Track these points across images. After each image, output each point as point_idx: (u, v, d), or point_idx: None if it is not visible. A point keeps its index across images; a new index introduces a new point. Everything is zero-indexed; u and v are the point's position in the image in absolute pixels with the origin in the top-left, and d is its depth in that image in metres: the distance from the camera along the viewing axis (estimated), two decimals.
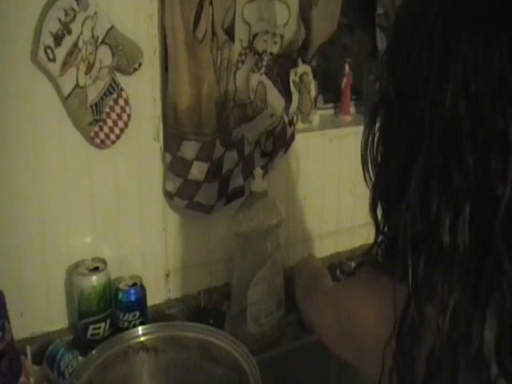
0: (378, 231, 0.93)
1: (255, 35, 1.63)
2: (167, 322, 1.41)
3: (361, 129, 1.95)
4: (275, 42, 1.67)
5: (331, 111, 2.12)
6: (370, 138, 0.93)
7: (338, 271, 1.84)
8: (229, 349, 1.24)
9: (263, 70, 1.67)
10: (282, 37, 1.67)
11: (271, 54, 1.67)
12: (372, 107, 0.91)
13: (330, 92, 2.12)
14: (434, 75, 0.75)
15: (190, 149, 1.55)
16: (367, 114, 0.91)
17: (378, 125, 0.91)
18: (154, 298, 1.65)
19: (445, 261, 0.75)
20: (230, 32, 1.57)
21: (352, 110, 2.13)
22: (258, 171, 1.55)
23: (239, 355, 1.21)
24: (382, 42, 2.13)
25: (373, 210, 0.93)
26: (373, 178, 0.94)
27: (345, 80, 2.04)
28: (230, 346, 1.24)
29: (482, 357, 0.72)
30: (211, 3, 1.50)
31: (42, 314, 1.53)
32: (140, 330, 1.27)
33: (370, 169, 0.95)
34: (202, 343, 1.28)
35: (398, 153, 0.84)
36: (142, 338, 1.27)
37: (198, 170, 1.57)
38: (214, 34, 1.53)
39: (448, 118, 0.74)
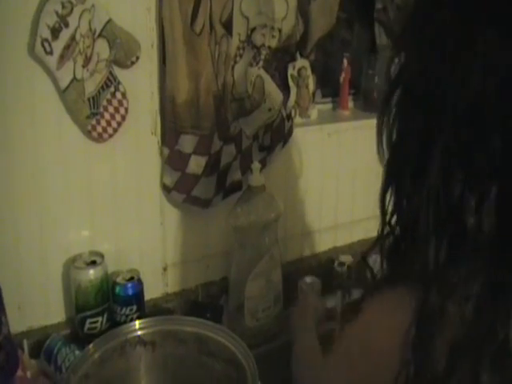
0: (384, 222, 0.89)
1: (253, 29, 1.63)
2: (164, 316, 1.41)
3: (359, 123, 1.98)
4: (273, 36, 1.66)
5: (329, 106, 2.11)
6: (386, 115, 0.85)
7: (335, 264, 1.83)
8: (226, 343, 1.23)
9: (261, 63, 1.66)
10: (280, 31, 1.67)
11: (269, 47, 1.67)
12: (390, 82, 0.84)
13: (328, 86, 2.11)
14: (460, 51, 0.71)
15: (187, 143, 1.55)
16: (384, 89, 0.85)
17: (395, 101, 0.83)
18: (152, 292, 1.65)
19: (469, 246, 0.71)
20: (227, 26, 1.57)
21: (350, 104, 2.13)
22: (256, 165, 1.55)
23: (236, 349, 1.21)
24: (380, 37, 2.12)
25: (383, 195, 0.87)
26: (386, 157, 0.86)
27: (343, 74, 2.03)
28: (228, 340, 1.23)
29: (506, 349, 0.68)
30: None
31: (40, 307, 1.52)
32: (137, 324, 1.26)
33: (385, 147, 0.87)
34: (200, 337, 1.27)
35: (416, 130, 0.78)
36: (139, 332, 1.26)
37: (195, 164, 1.57)
38: (211, 27, 1.52)
39: (474, 95, 0.69)
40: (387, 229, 0.88)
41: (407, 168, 0.80)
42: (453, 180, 0.72)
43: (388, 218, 0.87)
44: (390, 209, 0.87)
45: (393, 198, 0.85)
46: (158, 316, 1.38)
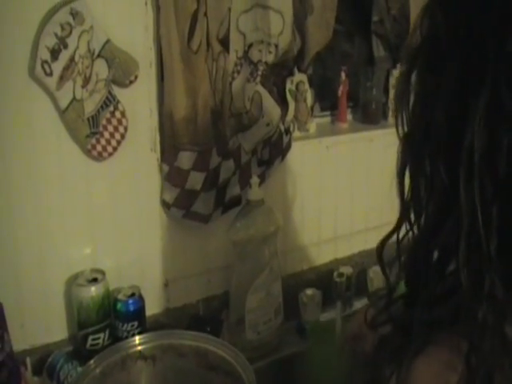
0: (404, 215, 0.75)
1: (250, 45, 1.65)
2: (164, 331, 1.42)
3: (357, 136, 2.00)
4: (270, 52, 1.68)
5: (328, 119, 2.13)
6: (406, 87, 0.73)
7: (334, 274, 1.85)
8: (225, 356, 1.25)
9: (258, 79, 1.68)
10: (276, 46, 1.69)
11: (266, 63, 1.68)
12: (411, 51, 0.72)
13: (327, 100, 2.13)
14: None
15: (186, 159, 1.57)
16: (404, 59, 0.78)
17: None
18: (153, 307, 1.66)
19: None
20: (224, 42, 1.59)
21: (349, 117, 2.14)
22: (255, 180, 1.57)
23: (236, 362, 1.23)
24: (378, 50, 2.14)
25: (400, 175, 0.75)
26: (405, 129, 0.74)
27: (341, 87, 2.05)
28: (227, 354, 1.25)
29: None
30: (206, 14, 1.52)
31: (42, 325, 1.54)
32: (137, 339, 1.29)
33: (404, 118, 0.74)
34: (199, 351, 1.29)
35: (446, 94, 0.65)
36: (140, 347, 1.28)
37: (194, 180, 1.59)
38: (208, 44, 1.55)
39: None
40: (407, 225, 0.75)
41: (433, 135, 0.68)
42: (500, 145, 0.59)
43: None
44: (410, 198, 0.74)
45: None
46: (158, 331, 1.39)
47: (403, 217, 0.76)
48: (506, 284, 0.60)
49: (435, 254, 0.71)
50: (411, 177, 0.73)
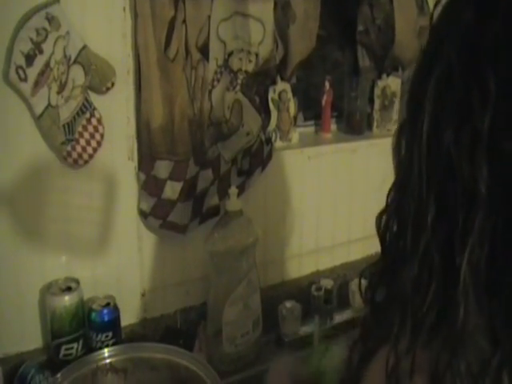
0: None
1: (230, 53, 1.63)
2: (135, 343, 1.40)
3: (340, 146, 1.98)
4: (250, 60, 1.67)
5: (312, 128, 2.11)
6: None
7: (313, 288, 1.82)
8: (197, 370, 1.23)
9: (238, 88, 1.67)
10: (256, 55, 1.67)
11: (246, 72, 1.67)
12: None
13: (311, 109, 2.12)
14: None
15: (163, 168, 1.55)
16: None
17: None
18: (130, 317, 1.64)
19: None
20: (204, 50, 1.58)
21: (333, 127, 2.13)
22: (233, 190, 1.55)
23: (207, 377, 1.20)
24: (363, 59, 2.13)
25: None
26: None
27: (325, 97, 2.03)
28: (198, 368, 1.23)
29: None
30: (184, 22, 1.50)
31: (16, 334, 1.52)
32: (106, 351, 1.26)
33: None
34: (171, 364, 1.27)
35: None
36: (110, 360, 1.25)
37: (171, 190, 1.57)
38: (187, 52, 1.53)
39: None
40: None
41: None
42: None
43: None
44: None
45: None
46: (131, 342, 1.37)
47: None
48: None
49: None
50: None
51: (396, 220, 0.71)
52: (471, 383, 0.59)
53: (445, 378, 0.61)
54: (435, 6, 0.68)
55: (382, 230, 0.73)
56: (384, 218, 0.73)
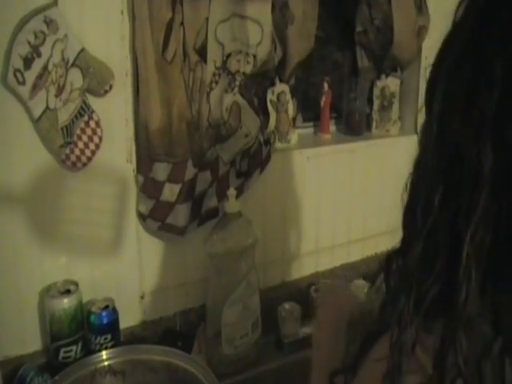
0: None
1: (229, 55, 1.63)
2: (133, 346, 1.40)
3: (339, 147, 1.98)
4: (248, 62, 1.67)
5: (311, 130, 2.11)
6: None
7: (311, 289, 1.82)
8: (195, 372, 1.23)
9: (236, 89, 1.67)
10: (254, 56, 1.67)
11: (244, 73, 1.67)
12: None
13: (310, 110, 2.12)
14: None
15: (161, 170, 1.55)
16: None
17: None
18: (129, 320, 1.64)
19: None
20: (202, 52, 1.58)
21: (332, 128, 2.13)
22: (232, 192, 1.55)
23: (205, 379, 1.21)
24: (362, 60, 2.13)
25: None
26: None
27: (324, 98, 2.03)
28: (196, 370, 1.23)
29: None
30: (182, 24, 1.50)
31: (16, 336, 1.52)
32: (104, 353, 1.27)
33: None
34: (169, 366, 1.27)
35: None
36: (108, 362, 1.26)
37: (169, 192, 1.57)
38: (185, 54, 1.53)
39: None
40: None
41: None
42: None
43: None
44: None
45: None
46: (129, 345, 1.37)
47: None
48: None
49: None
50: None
51: (409, 199, 0.72)
52: (473, 366, 0.60)
53: (447, 358, 0.61)
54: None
55: (404, 212, 0.73)
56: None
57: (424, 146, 0.67)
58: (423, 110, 0.70)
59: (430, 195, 0.64)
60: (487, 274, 0.60)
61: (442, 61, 0.65)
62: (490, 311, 0.60)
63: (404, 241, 0.71)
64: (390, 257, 0.74)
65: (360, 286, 1.90)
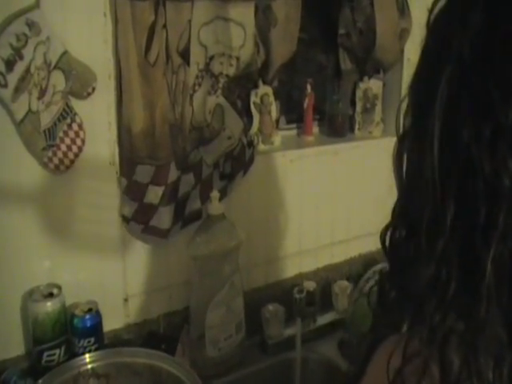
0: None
1: (212, 57, 1.63)
2: (116, 349, 1.40)
3: (322, 149, 1.98)
4: (231, 64, 1.67)
5: (294, 132, 2.11)
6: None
7: (294, 290, 1.82)
8: (178, 374, 1.23)
9: (219, 92, 1.67)
10: (237, 59, 1.67)
11: (227, 76, 1.67)
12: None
13: (293, 112, 2.12)
14: None
15: (144, 173, 1.55)
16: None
17: None
18: (113, 323, 1.64)
19: None
20: (185, 55, 1.57)
21: (316, 130, 2.13)
22: (215, 194, 1.55)
23: (189, 381, 1.21)
24: (344, 62, 2.13)
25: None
26: None
27: (307, 100, 2.04)
28: (179, 372, 1.23)
29: None
30: (165, 26, 1.50)
31: None
32: (87, 357, 1.26)
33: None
34: (153, 369, 1.27)
35: None
36: (91, 365, 1.25)
37: (152, 194, 1.57)
38: (168, 57, 1.53)
39: None
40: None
41: None
42: None
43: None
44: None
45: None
46: (111, 348, 1.37)
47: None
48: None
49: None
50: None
51: (404, 225, 0.69)
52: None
53: (461, 374, 0.60)
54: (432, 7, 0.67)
55: (390, 238, 0.72)
56: (390, 227, 0.72)
57: (417, 170, 0.65)
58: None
59: (439, 217, 0.61)
60: (507, 287, 0.58)
61: (435, 78, 0.62)
62: (507, 324, 0.59)
63: (402, 267, 0.70)
64: (384, 278, 0.74)
65: (343, 287, 1.91)
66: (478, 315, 0.59)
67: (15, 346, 1.53)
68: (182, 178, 1.62)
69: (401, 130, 0.73)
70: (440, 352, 0.62)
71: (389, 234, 0.72)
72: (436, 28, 0.67)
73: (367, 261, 2.05)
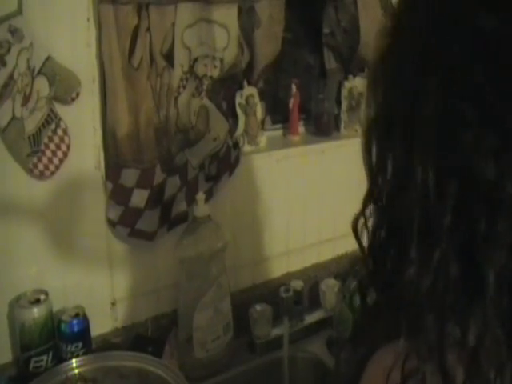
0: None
1: (196, 59, 1.63)
2: (103, 352, 1.41)
3: (308, 148, 1.99)
4: (215, 66, 1.67)
5: (280, 132, 2.11)
6: None
7: (281, 289, 1.83)
8: (165, 377, 1.24)
9: (204, 93, 1.67)
10: (221, 60, 1.67)
11: (212, 77, 1.67)
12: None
13: (279, 113, 2.12)
14: None
15: (129, 176, 1.55)
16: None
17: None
18: (101, 327, 1.64)
19: None
20: (169, 58, 1.58)
21: (302, 129, 2.13)
22: (201, 196, 1.56)
23: (175, 383, 1.21)
24: (329, 62, 2.14)
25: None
26: None
27: (292, 100, 2.04)
28: (167, 374, 1.24)
29: None
30: (148, 30, 1.50)
31: None
32: (74, 361, 1.27)
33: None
34: (140, 372, 1.27)
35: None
36: (78, 370, 1.26)
37: (138, 197, 1.57)
38: (152, 60, 1.53)
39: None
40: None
41: None
42: None
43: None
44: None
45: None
46: (98, 352, 1.38)
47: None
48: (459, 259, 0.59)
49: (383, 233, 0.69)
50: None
51: (384, 222, 0.69)
52: None
53: None
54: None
55: (371, 236, 0.71)
56: (361, 216, 0.72)
57: (405, 176, 0.63)
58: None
59: (434, 223, 0.59)
60: (507, 300, 0.58)
61: (425, 80, 0.61)
62: (507, 337, 0.59)
63: (384, 270, 0.69)
64: (365, 279, 0.73)
65: (331, 285, 1.92)
66: (477, 326, 0.58)
67: (2, 353, 1.53)
68: (167, 180, 1.62)
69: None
70: (440, 367, 0.61)
71: (360, 223, 0.71)
72: (418, 33, 0.64)
73: (354, 259, 2.05)
